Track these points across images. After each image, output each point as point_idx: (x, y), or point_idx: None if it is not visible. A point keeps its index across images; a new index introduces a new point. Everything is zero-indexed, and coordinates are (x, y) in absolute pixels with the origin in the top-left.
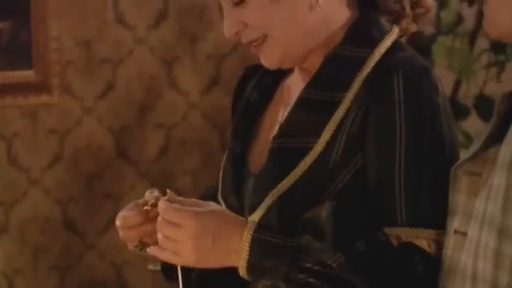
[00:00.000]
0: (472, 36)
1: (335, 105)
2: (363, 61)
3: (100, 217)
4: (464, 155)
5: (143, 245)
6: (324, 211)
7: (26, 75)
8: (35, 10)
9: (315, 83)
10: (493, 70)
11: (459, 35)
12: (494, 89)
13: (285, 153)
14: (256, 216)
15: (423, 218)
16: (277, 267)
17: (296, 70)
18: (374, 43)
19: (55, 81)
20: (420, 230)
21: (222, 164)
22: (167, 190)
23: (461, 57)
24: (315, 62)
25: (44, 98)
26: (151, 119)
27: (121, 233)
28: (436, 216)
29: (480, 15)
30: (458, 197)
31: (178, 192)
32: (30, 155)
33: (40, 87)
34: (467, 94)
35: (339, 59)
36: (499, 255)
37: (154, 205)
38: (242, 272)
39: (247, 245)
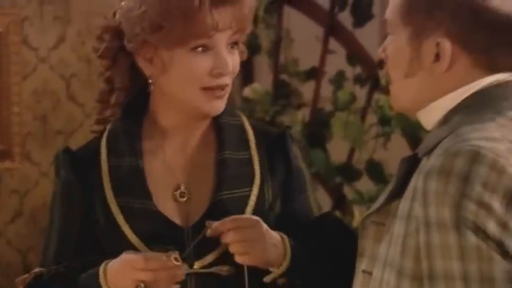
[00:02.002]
0: (363, 112)
1: (249, 161)
2: (242, 126)
3: None
4: (371, 208)
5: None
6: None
7: None
8: (1, 92)
9: (223, 146)
10: (381, 140)
11: (353, 111)
12: (382, 156)
13: (228, 203)
14: (212, 257)
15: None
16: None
17: (172, 140)
18: (236, 112)
19: (17, 149)
20: None
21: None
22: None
23: (354, 130)
24: (202, 126)
25: (7, 163)
26: None
27: (140, 276)
28: None
29: (370, 95)
30: (366, 243)
31: None
32: None
33: (4, 154)
34: (360, 160)
35: (224, 126)
36: None
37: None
38: (283, 266)
39: (287, 242)
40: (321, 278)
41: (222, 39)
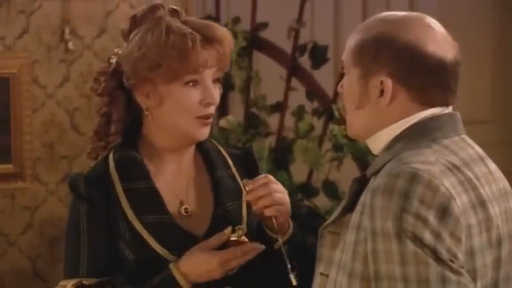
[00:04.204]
0: (320, 140)
1: (233, 178)
2: (220, 151)
3: (61, 269)
4: (328, 220)
5: None
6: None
7: (7, 167)
8: (14, 123)
9: (213, 168)
10: (335, 163)
11: (311, 139)
12: (336, 176)
13: (228, 214)
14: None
15: None
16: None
17: (168, 164)
18: (212, 140)
19: (28, 171)
20: None
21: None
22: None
23: (313, 154)
24: (191, 151)
25: (19, 183)
26: None
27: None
28: None
29: (325, 125)
30: (323, 249)
31: None
32: (9, 224)
33: (17, 176)
34: (317, 179)
35: (209, 151)
36: None
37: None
38: (289, 231)
39: None
40: (308, 248)
41: (208, 75)
